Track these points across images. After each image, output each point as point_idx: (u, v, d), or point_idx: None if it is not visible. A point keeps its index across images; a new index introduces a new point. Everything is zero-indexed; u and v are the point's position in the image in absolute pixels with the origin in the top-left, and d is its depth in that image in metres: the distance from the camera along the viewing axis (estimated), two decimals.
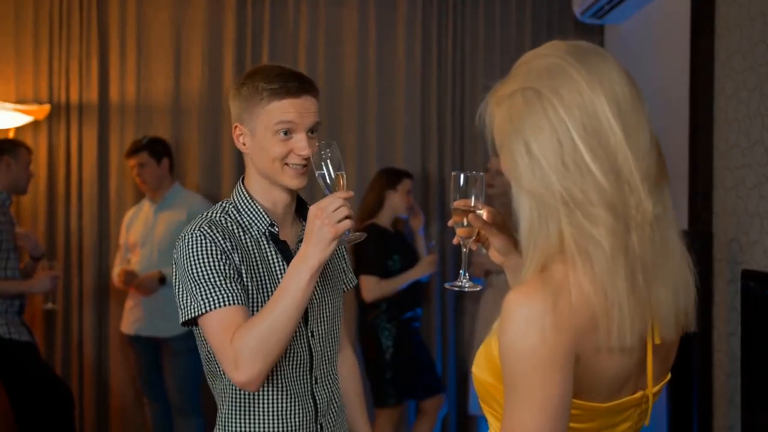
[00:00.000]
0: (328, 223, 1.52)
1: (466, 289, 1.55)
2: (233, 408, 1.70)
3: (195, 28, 4.24)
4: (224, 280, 1.59)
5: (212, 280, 1.58)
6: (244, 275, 1.64)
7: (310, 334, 1.73)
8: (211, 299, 1.57)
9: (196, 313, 1.58)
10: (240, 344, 1.52)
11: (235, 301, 1.58)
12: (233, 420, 1.70)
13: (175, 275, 1.66)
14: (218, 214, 1.72)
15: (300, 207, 1.81)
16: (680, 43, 3.26)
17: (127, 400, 4.24)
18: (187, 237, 1.64)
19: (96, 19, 4.20)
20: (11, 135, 3.99)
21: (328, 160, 1.60)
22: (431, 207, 4.30)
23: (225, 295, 1.57)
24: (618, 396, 1.10)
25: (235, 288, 1.59)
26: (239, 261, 1.64)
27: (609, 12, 3.87)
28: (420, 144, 4.32)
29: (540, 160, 1.04)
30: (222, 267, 1.60)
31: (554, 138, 1.04)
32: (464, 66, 4.35)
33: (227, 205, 1.74)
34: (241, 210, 1.72)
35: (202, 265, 1.60)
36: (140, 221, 3.90)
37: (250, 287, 1.64)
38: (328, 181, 1.60)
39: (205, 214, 1.72)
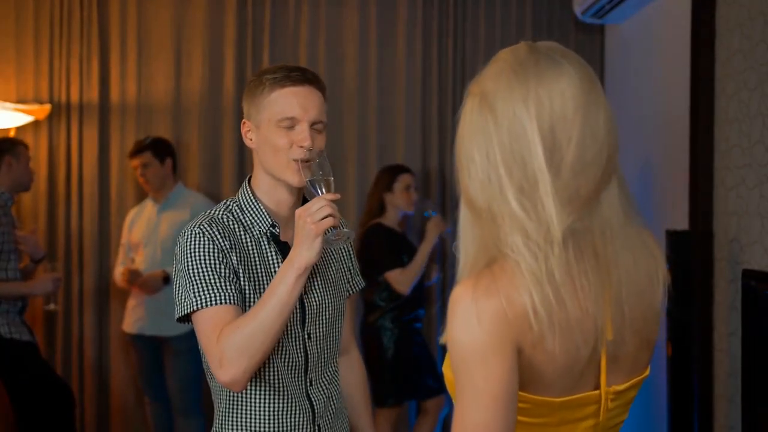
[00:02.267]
0: (310, 221, 1.54)
1: None
2: (230, 407, 1.71)
3: (195, 28, 4.25)
4: (219, 279, 1.60)
5: (207, 278, 1.60)
6: (241, 275, 1.65)
7: (306, 336, 1.73)
8: (203, 297, 1.58)
9: (189, 310, 1.60)
10: (225, 343, 1.53)
11: (227, 301, 1.59)
12: (230, 418, 1.71)
13: (174, 271, 1.68)
14: (221, 212, 1.72)
15: None
16: (681, 43, 3.26)
17: (127, 399, 4.24)
18: (187, 234, 1.65)
19: (96, 19, 4.20)
20: (12, 135, 3.99)
21: (317, 169, 1.62)
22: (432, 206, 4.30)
23: (217, 294, 1.58)
24: (573, 391, 1.11)
25: (228, 287, 1.60)
26: (237, 261, 1.65)
27: (609, 12, 3.86)
28: (421, 143, 4.32)
29: (471, 169, 1.09)
30: (218, 266, 1.61)
31: (483, 151, 1.07)
32: (465, 65, 4.35)
33: (231, 204, 1.75)
34: (245, 209, 1.73)
35: (198, 262, 1.61)
36: (143, 221, 3.91)
37: (246, 287, 1.65)
38: (317, 186, 1.62)
39: (208, 211, 1.73)
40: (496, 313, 1.03)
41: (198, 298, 1.58)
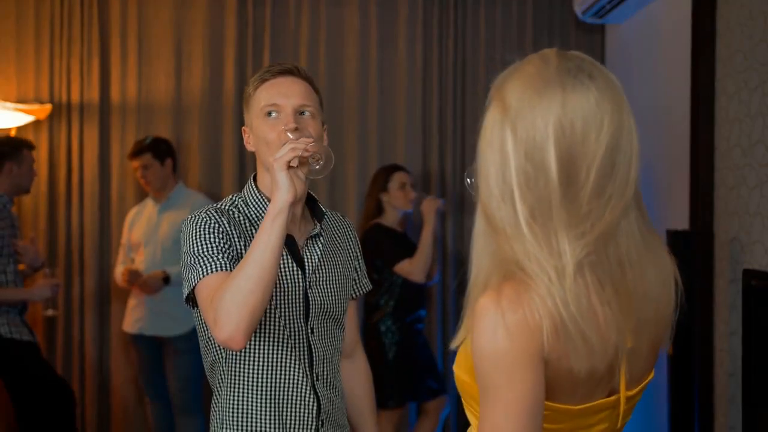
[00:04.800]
0: (272, 160, 1.55)
1: None
2: (231, 399, 1.71)
3: (196, 27, 4.25)
4: (221, 254, 1.61)
5: (210, 252, 1.61)
6: None
7: (309, 331, 1.73)
8: (205, 268, 1.59)
9: (194, 283, 1.60)
10: (217, 302, 1.52)
11: (225, 268, 1.59)
12: (231, 411, 1.71)
13: (181, 254, 1.69)
14: (227, 205, 1.75)
15: (312, 205, 1.82)
16: (681, 43, 3.25)
17: (128, 399, 4.24)
18: (193, 217, 1.68)
19: (97, 19, 4.20)
20: (12, 134, 3.99)
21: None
22: None
23: (216, 264, 1.59)
24: (590, 398, 1.11)
25: (229, 258, 1.61)
26: (243, 248, 1.66)
27: (610, 12, 3.86)
28: (421, 143, 4.32)
29: (490, 183, 1.07)
30: (222, 244, 1.63)
31: (500, 170, 1.06)
32: (465, 65, 4.34)
33: (236, 199, 1.78)
34: (250, 203, 1.76)
35: (202, 240, 1.63)
36: (143, 220, 3.91)
37: None
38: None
39: (214, 204, 1.77)
40: (523, 325, 1.02)
41: (200, 269, 1.59)
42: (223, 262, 1.60)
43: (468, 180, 1.46)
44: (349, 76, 4.30)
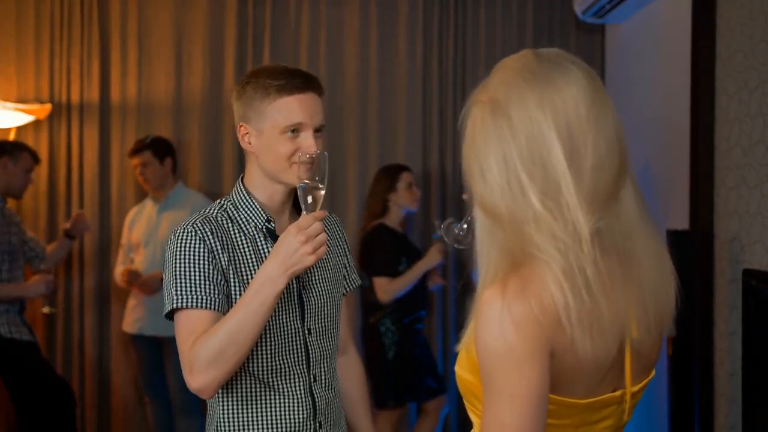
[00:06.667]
0: (311, 250, 1.52)
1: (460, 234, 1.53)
2: (229, 406, 1.70)
3: (196, 27, 4.25)
4: (205, 281, 1.60)
5: (193, 278, 1.60)
6: (231, 276, 1.64)
7: (307, 332, 1.73)
8: (186, 296, 1.58)
9: (171, 306, 1.60)
10: (197, 351, 1.53)
11: (209, 306, 1.58)
12: (228, 418, 1.70)
13: (164, 268, 1.67)
14: (215, 211, 1.72)
15: (296, 202, 1.81)
16: (681, 42, 3.25)
17: (128, 399, 4.24)
18: (179, 231, 1.65)
19: (97, 19, 4.20)
20: (12, 134, 3.99)
21: (314, 174, 1.59)
22: (432, 206, 4.30)
23: (200, 297, 1.58)
24: (596, 393, 1.12)
25: (213, 292, 1.59)
26: (227, 261, 1.64)
27: (610, 11, 3.86)
28: (421, 143, 4.32)
29: (488, 176, 1.09)
30: (206, 267, 1.61)
31: (501, 158, 1.08)
32: (465, 65, 4.35)
33: (225, 203, 1.75)
34: (239, 207, 1.73)
35: (187, 261, 1.61)
36: (143, 220, 3.91)
37: (238, 287, 1.64)
38: (309, 196, 1.58)
39: (203, 210, 1.73)
40: (529, 318, 1.03)
41: (181, 297, 1.58)
42: (206, 295, 1.58)
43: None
44: (349, 76, 4.30)
